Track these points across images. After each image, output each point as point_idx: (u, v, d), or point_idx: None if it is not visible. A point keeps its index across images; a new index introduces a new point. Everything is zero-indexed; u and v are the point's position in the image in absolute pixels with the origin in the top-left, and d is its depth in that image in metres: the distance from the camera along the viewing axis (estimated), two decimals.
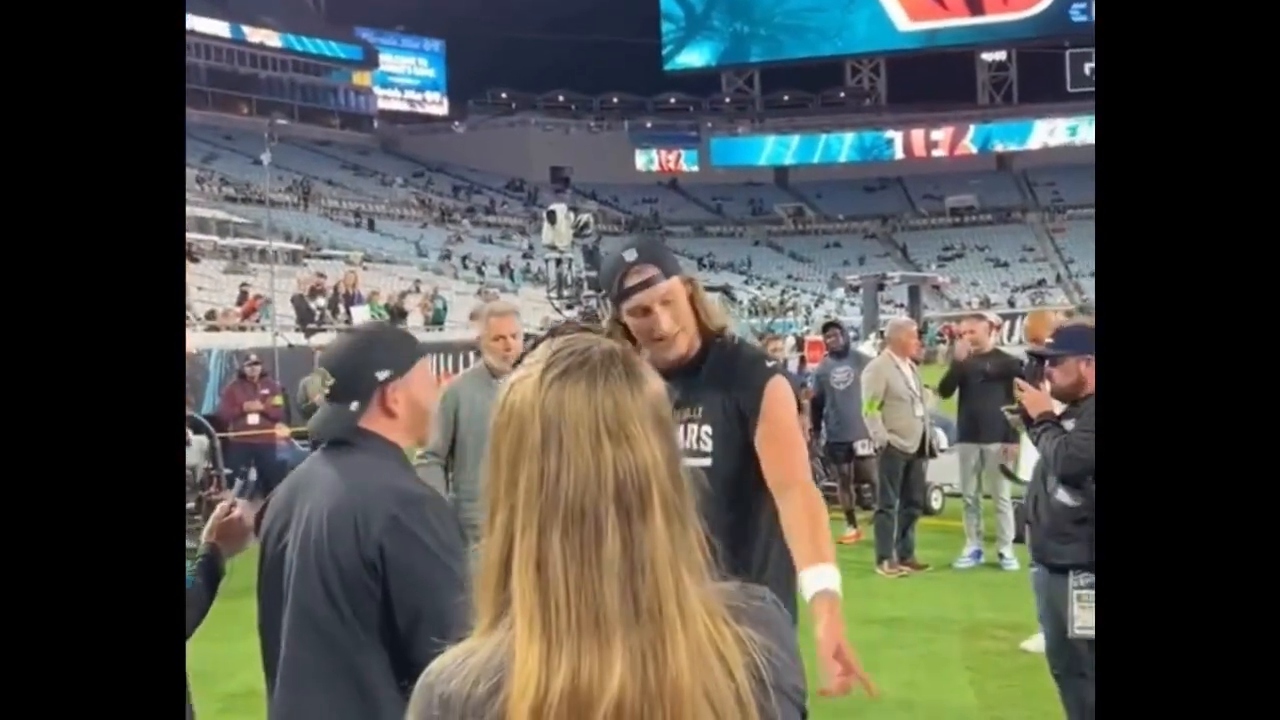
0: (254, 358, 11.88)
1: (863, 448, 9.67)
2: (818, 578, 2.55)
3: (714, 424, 2.82)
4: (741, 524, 2.80)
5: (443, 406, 5.00)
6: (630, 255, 2.80)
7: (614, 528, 1.20)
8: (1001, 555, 8.81)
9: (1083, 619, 4.24)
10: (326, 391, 2.47)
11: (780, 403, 2.82)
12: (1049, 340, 4.82)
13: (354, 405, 2.42)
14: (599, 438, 1.23)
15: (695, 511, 1.29)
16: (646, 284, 2.77)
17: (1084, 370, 4.40)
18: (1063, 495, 4.35)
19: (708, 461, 2.80)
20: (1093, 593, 4.16)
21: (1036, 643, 6.06)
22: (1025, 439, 5.94)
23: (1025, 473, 5.87)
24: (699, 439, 2.83)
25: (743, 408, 2.80)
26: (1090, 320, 14.01)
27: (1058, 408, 4.59)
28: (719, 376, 2.84)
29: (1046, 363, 4.58)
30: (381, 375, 2.42)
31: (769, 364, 2.90)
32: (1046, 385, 4.62)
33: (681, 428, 2.82)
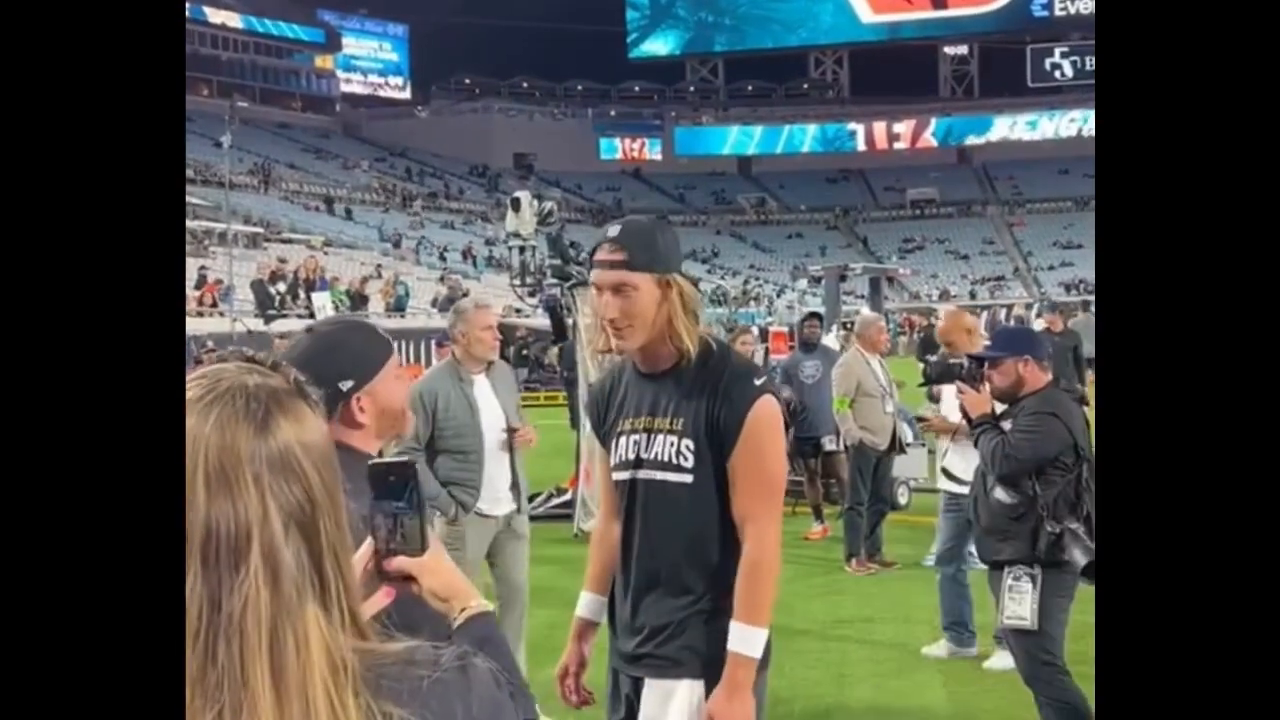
0: (210, 344, 11.66)
1: (830, 443, 9.63)
2: (741, 637, 2.59)
3: (696, 439, 2.65)
4: (720, 545, 2.67)
5: (421, 404, 5.24)
6: (612, 231, 2.69)
7: (193, 583, 1.12)
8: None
9: (1011, 609, 4.44)
10: None
11: (761, 428, 2.64)
12: (987, 343, 4.89)
13: None
14: (194, 481, 1.14)
15: (337, 564, 1.18)
16: (608, 264, 2.63)
17: (1022, 371, 4.56)
18: (1000, 494, 4.50)
19: (689, 478, 2.66)
20: (1025, 585, 4.40)
21: (999, 660, 6.03)
22: (951, 443, 5.96)
23: (957, 469, 5.90)
24: (679, 453, 2.67)
25: (723, 426, 2.63)
26: (1047, 320, 13.83)
27: (998, 408, 4.71)
28: (703, 389, 2.66)
29: (985, 365, 4.68)
30: (345, 385, 2.24)
31: (757, 381, 2.70)
32: (985, 387, 4.74)
33: (661, 438, 2.69)
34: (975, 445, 4.71)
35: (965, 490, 5.85)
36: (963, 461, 6.00)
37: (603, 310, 2.64)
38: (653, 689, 2.65)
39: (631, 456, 2.73)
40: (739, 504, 2.64)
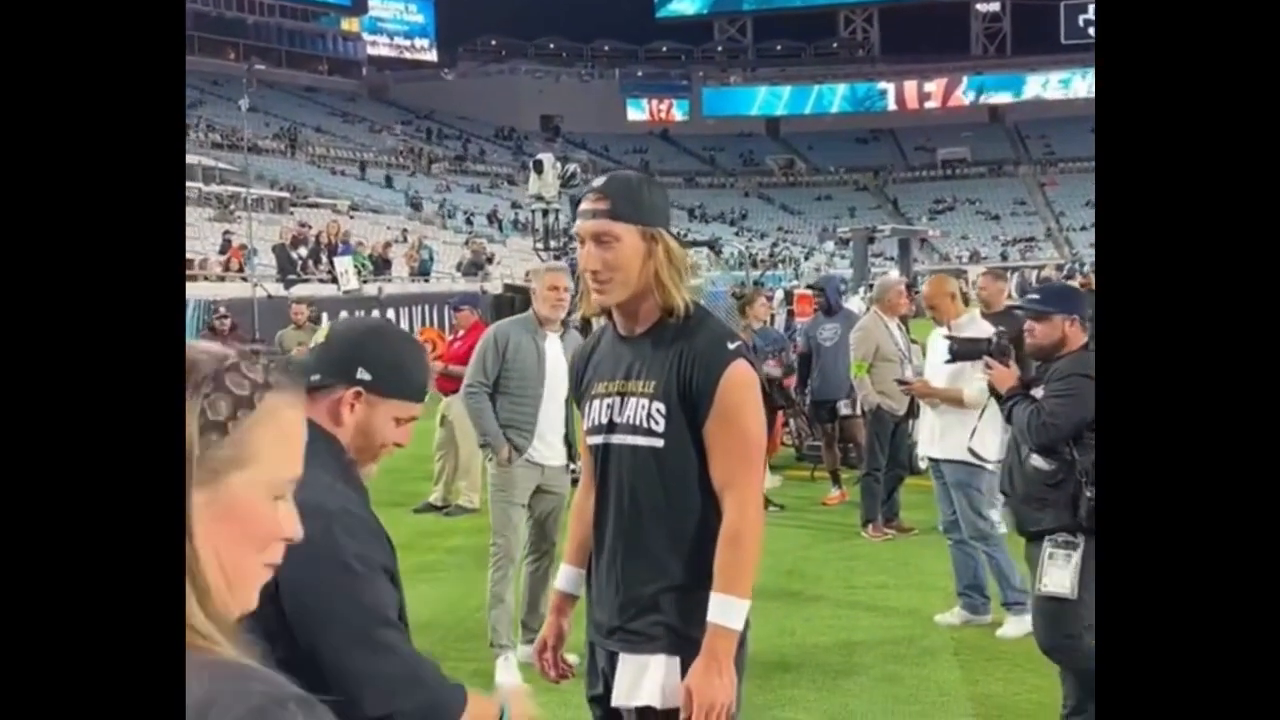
0: (222, 310, 11.54)
1: (845, 407, 9.51)
2: (721, 609, 2.48)
3: (667, 402, 2.56)
4: (693, 514, 2.57)
5: (494, 342, 5.73)
6: (597, 182, 2.64)
7: None
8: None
9: (1050, 577, 4.30)
10: (315, 344, 2.21)
11: (735, 392, 2.54)
12: (1033, 296, 4.86)
13: (316, 376, 2.13)
14: None
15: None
16: (591, 214, 2.56)
17: (1067, 330, 4.44)
18: (1036, 460, 4.36)
19: (660, 443, 2.56)
20: (1066, 554, 4.26)
21: (1011, 627, 5.96)
22: (979, 421, 5.84)
23: (986, 450, 5.77)
24: (650, 416, 2.57)
25: (695, 391, 2.54)
26: (1081, 283, 13.74)
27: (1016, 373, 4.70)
28: (676, 351, 2.57)
29: (1028, 320, 4.58)
30: (362, 375, 2.13)
31: (730, 345, 2.59)
32: (1013, 362, 4.75)
33: (634, 401, 2.60)
34: (1007, 420, 4.58)
35: (991, 468, 5.78)
36: (988, 437, 5.90)
37: (584, 262, 2.57)
38: (626, 664, 2.58)
39: (605, 420, 2.66)
40: (717, 471, 2.55)
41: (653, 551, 2.58)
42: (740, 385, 2.55)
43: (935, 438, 6.37)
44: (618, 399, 2.63)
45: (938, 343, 6.42)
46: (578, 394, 2.83)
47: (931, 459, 6.51)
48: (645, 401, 2.58)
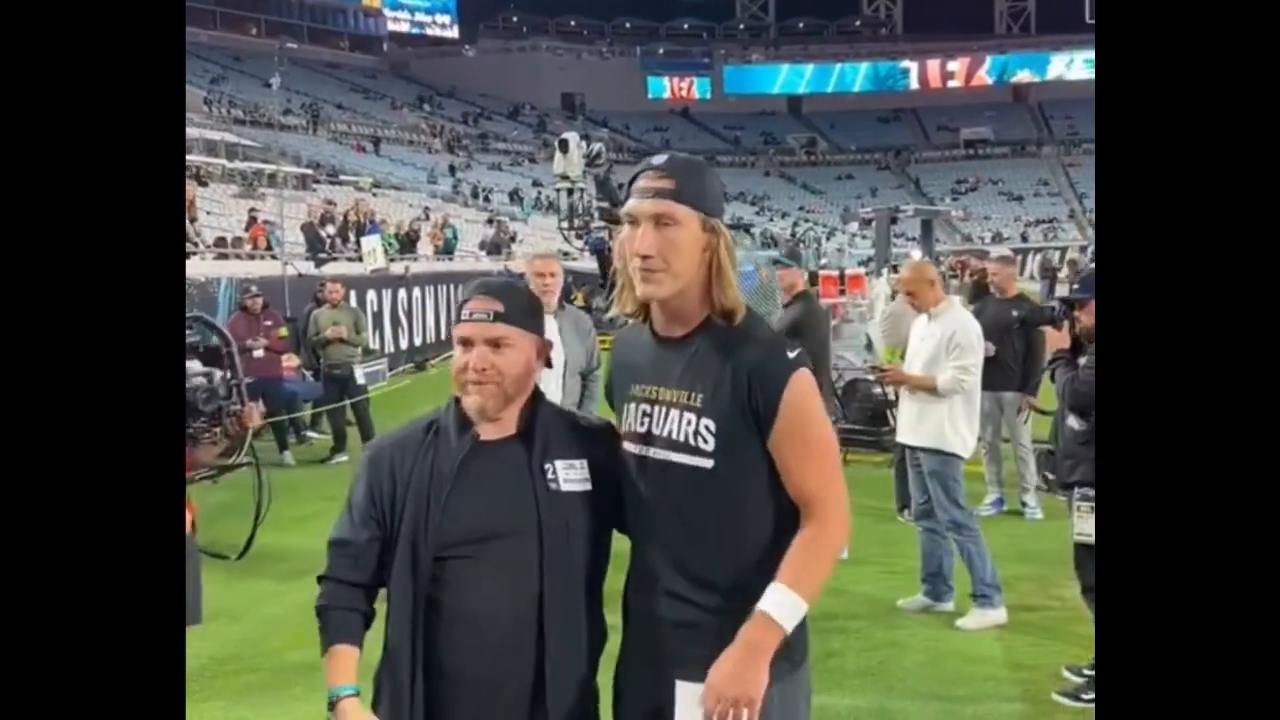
0: (254, 289, 11.55)
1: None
2: (777, 600, 2.24)
3: (718, 419, 2.30)
4: (749, 539, 2.33)
5: None
6: (657, 160, 2.39)
7: None
8: (1024, 504, 8.67)
9: (1079, 526, 4.89)
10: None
11: (804, 401, 2.31)
12: (1076, 285, 5.50)
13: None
14: None
15: None
16: (652, 192, 2.31)
17: None
18: (1071, 421, 4.97)
19: (709, 463, 2.31)
20: (1090, 505, 4.82)
21: (976, 618, 6.08)
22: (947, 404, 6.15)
23: (960, 442, 6.23)
24: (698, 433, 2.31)
25: (758, 405, 2.29)
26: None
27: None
28: (730, 363, 2.31)
29: (1073, 306, 5.12)
30: None
31: (791, 354, 2.33)
32: (1065, 327, 5.24)
33: (675, 414, 2.35)
34: (1050, 379, 5.21)
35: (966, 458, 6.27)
36: (962, 430, 6.17)
37: (637, 244, 2.31)
38: (685, 692, 2.32)
39: (641, 429, 2.42)
40: (799, 484, 2.33)
41: (706, 578, 2.35)
42: (808, 393, 2.34)
43: (911, 424, 6.37)
44: (652, 407, 2.41)
45: (919, 329, 6.44)
46: (608, 392, 2.60)
47: (907, 446, 6.50)
48: (692, 417, 2.33)
